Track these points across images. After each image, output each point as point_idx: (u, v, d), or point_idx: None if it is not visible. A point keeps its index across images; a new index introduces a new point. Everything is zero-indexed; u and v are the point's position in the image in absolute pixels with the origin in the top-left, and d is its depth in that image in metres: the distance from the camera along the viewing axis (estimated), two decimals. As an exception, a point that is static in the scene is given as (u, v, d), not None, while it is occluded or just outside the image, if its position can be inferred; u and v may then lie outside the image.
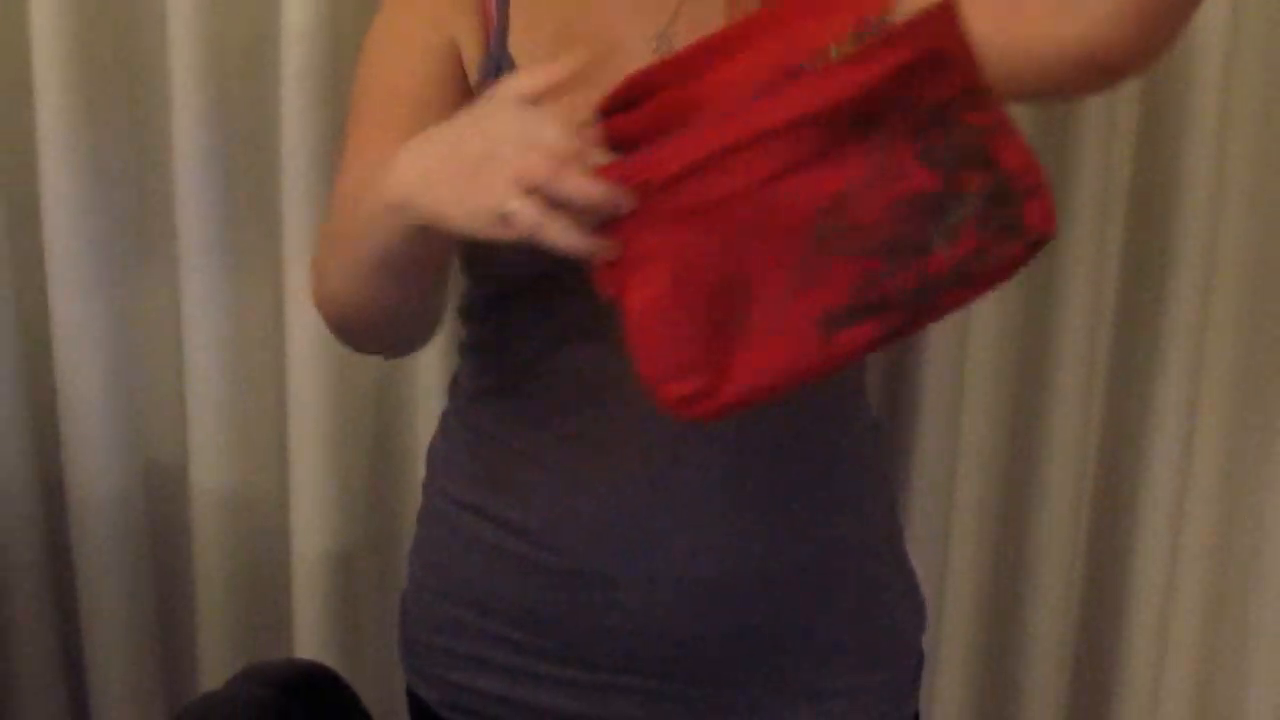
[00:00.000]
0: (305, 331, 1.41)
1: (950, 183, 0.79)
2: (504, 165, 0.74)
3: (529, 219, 0.73)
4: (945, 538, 1.47)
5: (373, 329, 0.93)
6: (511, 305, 1.01)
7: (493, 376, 1.05)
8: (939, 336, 1.40)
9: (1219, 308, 1.43)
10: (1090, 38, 0.86)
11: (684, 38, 0.96)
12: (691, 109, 0.81)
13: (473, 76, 0.98)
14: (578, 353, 1.00)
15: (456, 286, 1.06)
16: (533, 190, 0.74)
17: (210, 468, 1.49)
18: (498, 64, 0.97)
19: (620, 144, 0.81)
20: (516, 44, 0.99)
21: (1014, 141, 0.80)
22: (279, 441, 1.49)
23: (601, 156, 0.78)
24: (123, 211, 1.46)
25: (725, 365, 0.78)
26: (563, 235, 0.75)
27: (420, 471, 1.14)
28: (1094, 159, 1.34)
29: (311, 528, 1.47)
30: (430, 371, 1.44)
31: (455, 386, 1.11)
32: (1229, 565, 1.50)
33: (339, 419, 1.45)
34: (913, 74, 0.77)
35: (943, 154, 0.78)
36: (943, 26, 0.78)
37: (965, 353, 1.43)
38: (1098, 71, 0.89)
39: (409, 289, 0.88)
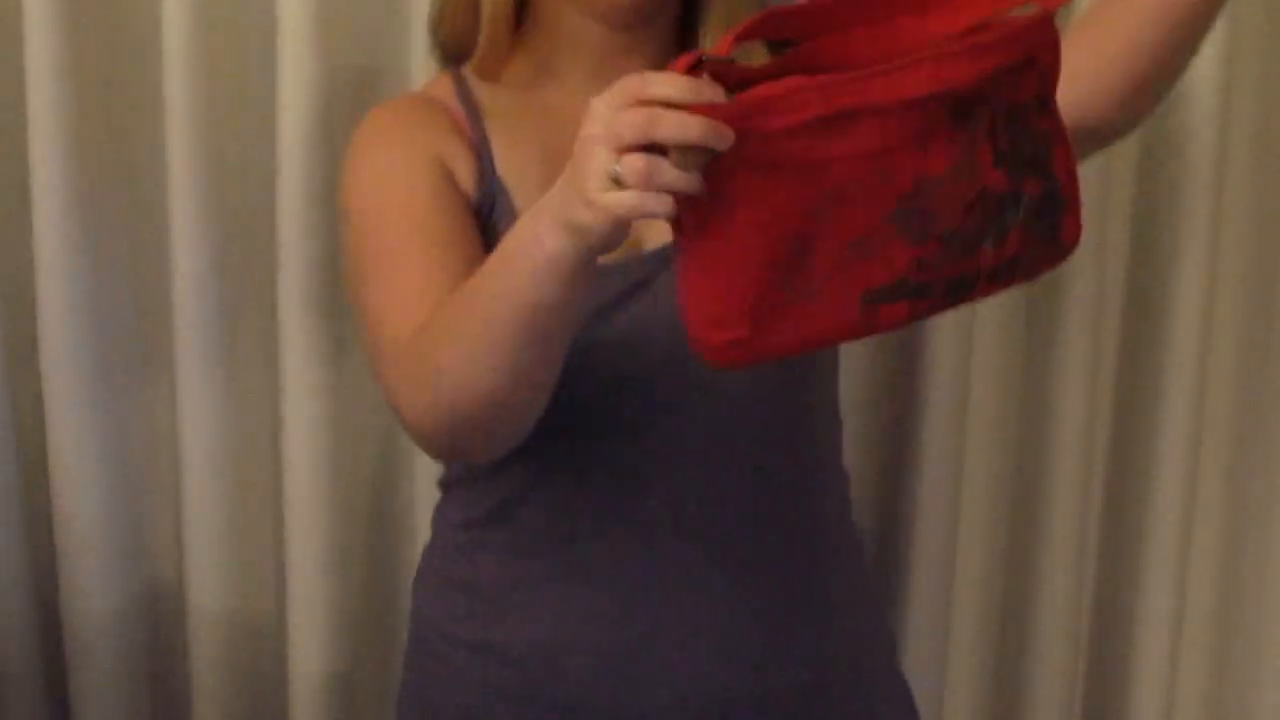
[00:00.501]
0: (302, 449, 1.41)
1: (1014, 184, 0.81)
2: (597, 139, 0.73)
3: (634, 171, 0.71)
4: (945, 632, 1.48)
5: (502, 415, 0.89)
6: None
7: (483, 509, 1.04)
8: (936, 422, 1.44)
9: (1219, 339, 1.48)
10: (1079, 105, 0.93)
11: None
12: (806, 67, 0.80)
13: (469, 196, 0.98)
14: (573, 485, 1.00)
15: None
16: (630, 146, 0.72)
17: (208, 586, 1.49)
18: (492, 190, 0.98)
19: (730, 88, 0.78)
20: (503, 165, 1.00)
21: (1065, 151, 0.83)
22: (276, 560, 1.49)
23: (708, 92, 0.75)
24: (120, 327, 1.47)
25: (767, 320, 0.79)
26: (674, 179, 0.72)
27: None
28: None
29: (309, 647, 1.46)
30: (428, 492, 1.42)
31: (440, 519, 1.10)
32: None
33: (336, 537, 1.45)
34: (1010, 74, 0.79)
35: (1012, 156, 0.81)
36: (1043, 34, 0.80)
37: (964, 448, 1.45)
38: (1086, 136, 0.96)
39: (553, 350, 0.85)
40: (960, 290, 0.82)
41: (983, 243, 0.81)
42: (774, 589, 1.01)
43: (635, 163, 0.71)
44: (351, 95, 1.37)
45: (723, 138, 0.72)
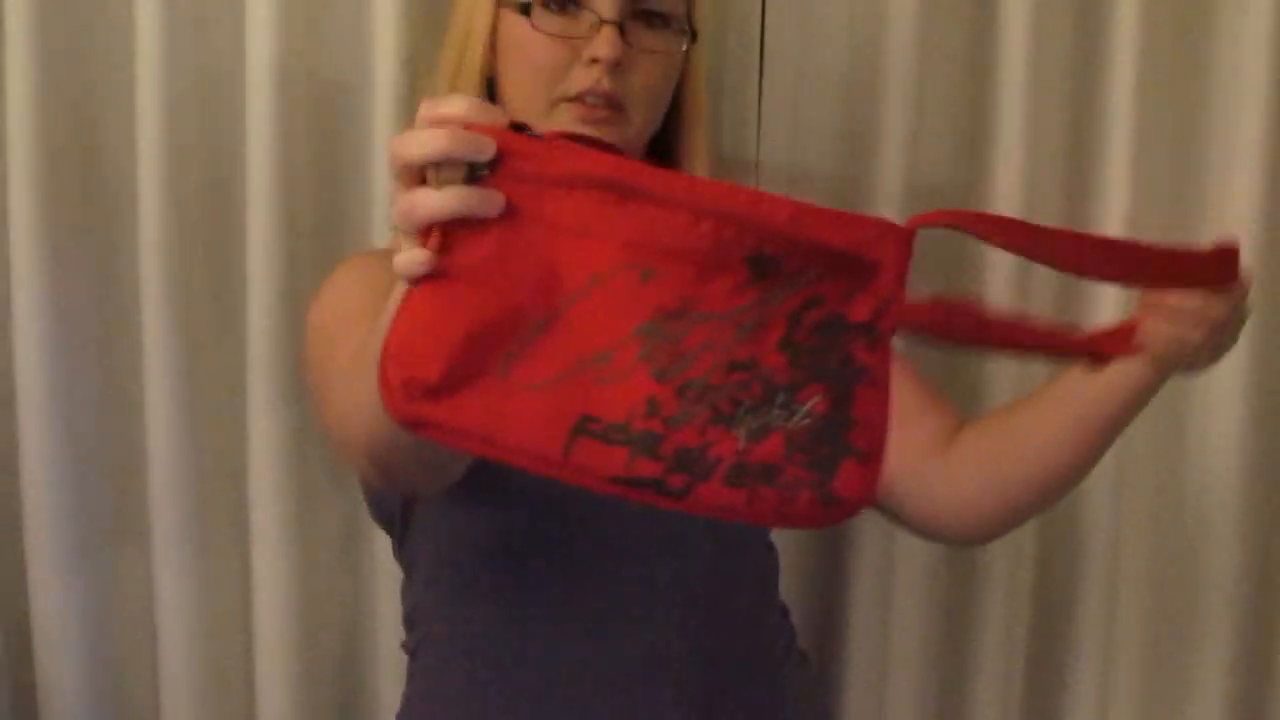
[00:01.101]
0: (272, 615, 1.45)
1: (794, 380, 0.73)
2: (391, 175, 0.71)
3: (398, 213, 0.68)
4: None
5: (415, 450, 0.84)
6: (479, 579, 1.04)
7: (456, 666, 1.06)
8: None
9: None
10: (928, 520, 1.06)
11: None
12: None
13: None
14: (548, 633, 1.03)
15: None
16: (400, 173, 0.69)
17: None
18: None
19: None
20: None
21: (877, 399, 0.74)
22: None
23: (491, 115, 0.70)
24: (98, 506, 1.51)
25: (463, 383, 0.69)
26: (426, 205, 0.67)
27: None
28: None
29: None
30: (391, 658, 1.47)
31: (411, 682, 1.12)
32: None
33: (306, 701, 1.47)
34: (832, 265, 0.72)
35: (805, 354, 0.73)
36: (896, 250, 0.73)
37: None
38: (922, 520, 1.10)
39: None
40: (690, 470, 0.71)
41: (734, 422, 0.71)
42: None
43: (399, 203, 0.69)
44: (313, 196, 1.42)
45: (478, 149, 0.68)
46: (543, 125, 0.93)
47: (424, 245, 0.68)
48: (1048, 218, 1.40)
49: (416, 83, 1.29)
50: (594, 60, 1.00)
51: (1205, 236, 1.35)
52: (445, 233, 0.69)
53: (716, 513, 0.70)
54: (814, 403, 0.72)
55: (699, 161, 1.11)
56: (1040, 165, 1.44)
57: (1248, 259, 0.91)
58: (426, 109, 0.68)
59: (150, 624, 1.51)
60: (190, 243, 1.42)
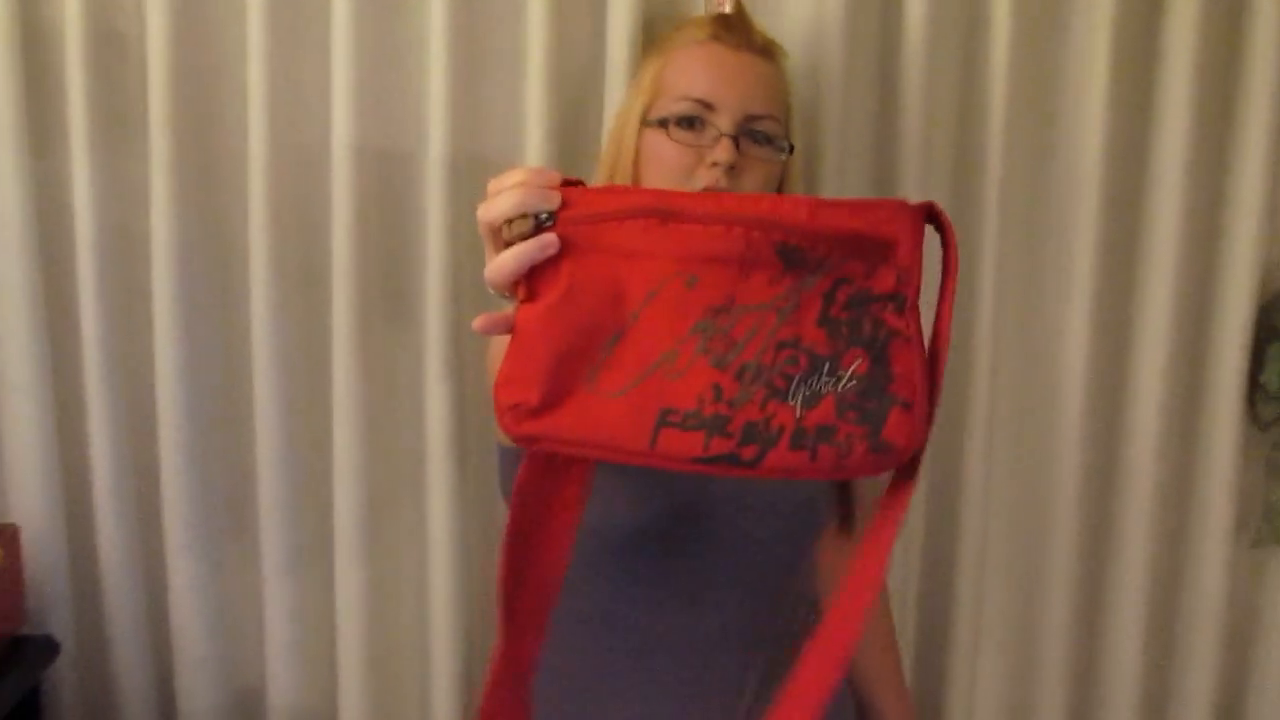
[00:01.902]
0: (445, 616, 1.54)
1: (834, 350, 0.78)
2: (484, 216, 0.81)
3: (488, 280, 0.79)
4: None
5: None
6: None
7: (562, 634, 1.10)
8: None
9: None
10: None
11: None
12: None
13: None
14: (648, 602, 1.19)
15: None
16: (491, 239, 0.80)
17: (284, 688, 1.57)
18: None
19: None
20: None
21: (915, 356, 0.79)
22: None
23: (546, 177, 0.80)
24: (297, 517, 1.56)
25: (558, 400, 0.77)
26: (502, 264, 0.79)
27: None
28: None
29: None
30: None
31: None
32: None
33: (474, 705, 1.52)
34: (855, 247, 0.78)
35: (844, 330, 0.78)
36: (910, 224, 0.79)
37: None
38: None
39: None
40: (758, 441, 0.77)
41: (789, 395, 0.78)
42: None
43: (488, 268, 0.80)
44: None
45: (544, 199, 0.79)
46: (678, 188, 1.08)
47: (515, 295, 0.80)
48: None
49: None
50: (714, 164, 1.16)
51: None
52: (529, 282, 0.79)
53: (785, 474, 0.77)
54: (856, 365, 0.78)
55: None
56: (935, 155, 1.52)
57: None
58: (495, 183, 0.81)
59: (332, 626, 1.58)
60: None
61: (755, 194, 0.87)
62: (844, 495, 1.28)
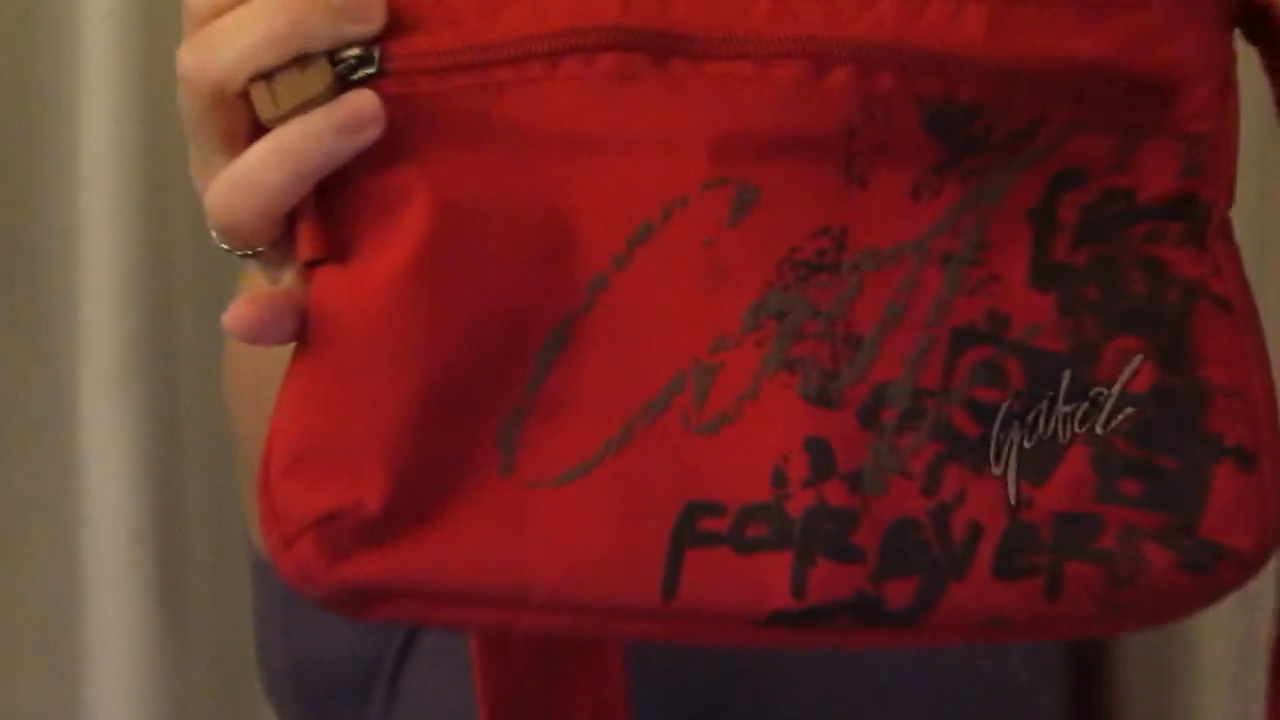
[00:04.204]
0: None
1: (1085, 347, 0.40)
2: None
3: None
4: None
5: None
6: None
7: None
8: None
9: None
10: None
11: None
12: None
13: None
14: None
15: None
16: (206, 99, 0.38)
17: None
18: None
19: None
20: None
21: (1246, 341, 0.41)
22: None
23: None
24: None
25: (431, 498, 0.38)
26: (254, 161, 0.38)
27: None
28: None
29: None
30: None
31: None
32: None
33: None
34: (1097, 96, 0.39)
35: (1094, 291, 0.40)
36: (1205, 39, 0.40)
37: None
38: None
39: None
40: (923, 564, 0.39)
41: (990, 451, 0.39)
42: None
43: (219, 192, 0.39)
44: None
45: (347, 18, 0.37)
46: None
47: (299, 259, 0.39)
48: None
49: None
50: None
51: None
52: (326, 224, 0.39)
53: (985, 633, 0.40)
54: (1130, 371, 0.40)
55: None
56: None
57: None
58: None
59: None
60: None
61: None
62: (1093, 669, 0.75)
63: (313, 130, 0.37)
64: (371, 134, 0.37)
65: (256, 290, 0.39)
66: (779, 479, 0.38)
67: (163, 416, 1.15)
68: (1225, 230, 0.41)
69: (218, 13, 0.38)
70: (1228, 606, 1.18)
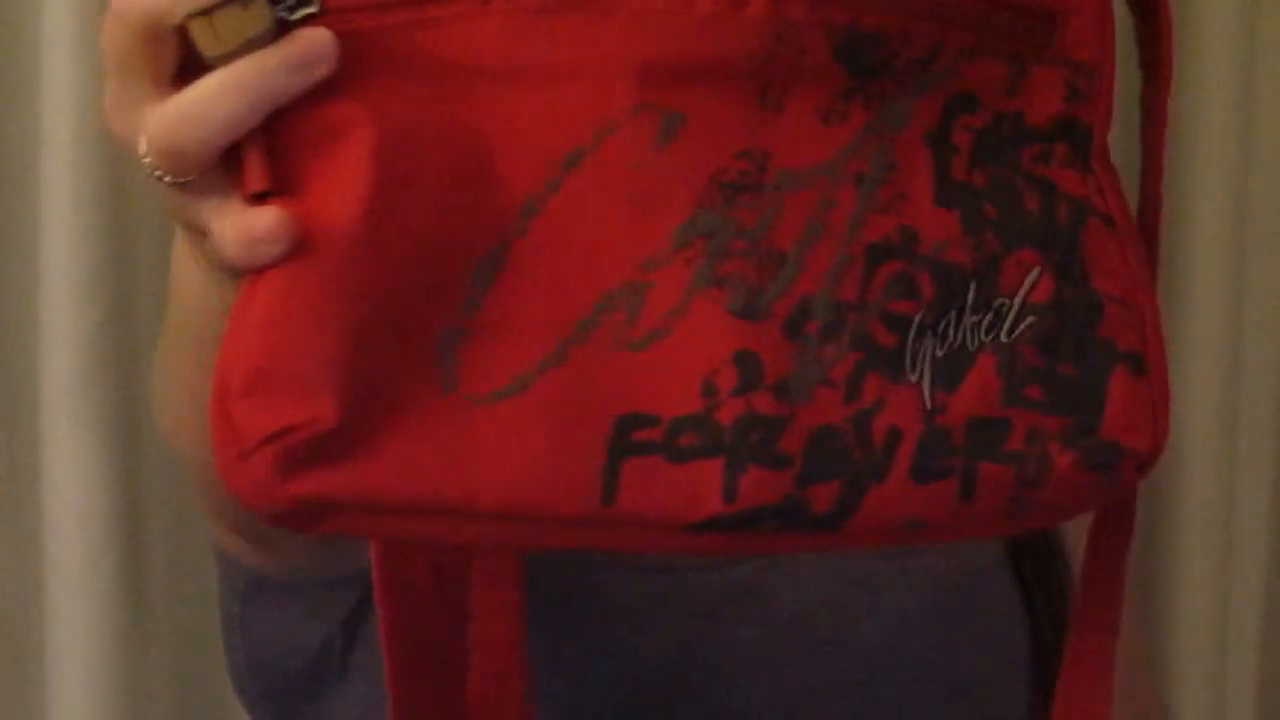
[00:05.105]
0: None
1: (988, 259, 0.42)
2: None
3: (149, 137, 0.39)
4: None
5: None
6: None
7: None
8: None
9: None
10: None
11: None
12: None
13: None
14: None
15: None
16: (129, 58, 0.40)
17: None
18: None
19: None
20: None
21: (1130, 254, 0.44)
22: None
23: None
24: None
25: (380, 415, 0.39)
26: (203, 105, 0.38)
27: None
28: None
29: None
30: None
31: None
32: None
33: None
34: (989, 22, 0.42)
35: (992, 208, 0.43)
36: None
37: None
38: None
39: None
40: (846, 468, 0.40)
41: (904, 359, 0.41)
42: None
43: (158, 123, 0.39)
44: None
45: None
46: None
47: (247, 194, 0.40)
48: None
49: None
50: None
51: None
52: (274, 156, 0.40)
53: (908, 535, 0.42)
54: (1030, 283, 0.43)
55: None
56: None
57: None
58: None
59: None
60: None
61: None
62: (1041, 569, 0.71)
63: (269, 65, 0.38)
64: (324, 71, 0.39)
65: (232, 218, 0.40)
66: (709, 390, 0.40)
67: (124, 415, 1.14)
68: (1104, 154, 0.44)
69: None
70: (1202, 604, 1.16)
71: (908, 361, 0.41)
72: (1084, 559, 0.51)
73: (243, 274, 0.40)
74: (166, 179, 0.41)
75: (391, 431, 0.39)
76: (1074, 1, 0.43)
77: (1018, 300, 0.42)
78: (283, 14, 0.38)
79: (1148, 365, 0.43)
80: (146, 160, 0.40)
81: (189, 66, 0.39)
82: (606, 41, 0.40)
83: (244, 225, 0.39)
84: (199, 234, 0.42)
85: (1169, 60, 0.46)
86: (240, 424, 0.39)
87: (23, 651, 1.18)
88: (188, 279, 0.48)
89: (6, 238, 1.18)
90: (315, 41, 0.39)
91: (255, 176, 0.39)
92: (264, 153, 0.39)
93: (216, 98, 0.39)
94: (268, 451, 0.38)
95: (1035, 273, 0.42)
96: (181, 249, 0.48)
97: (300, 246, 0.39)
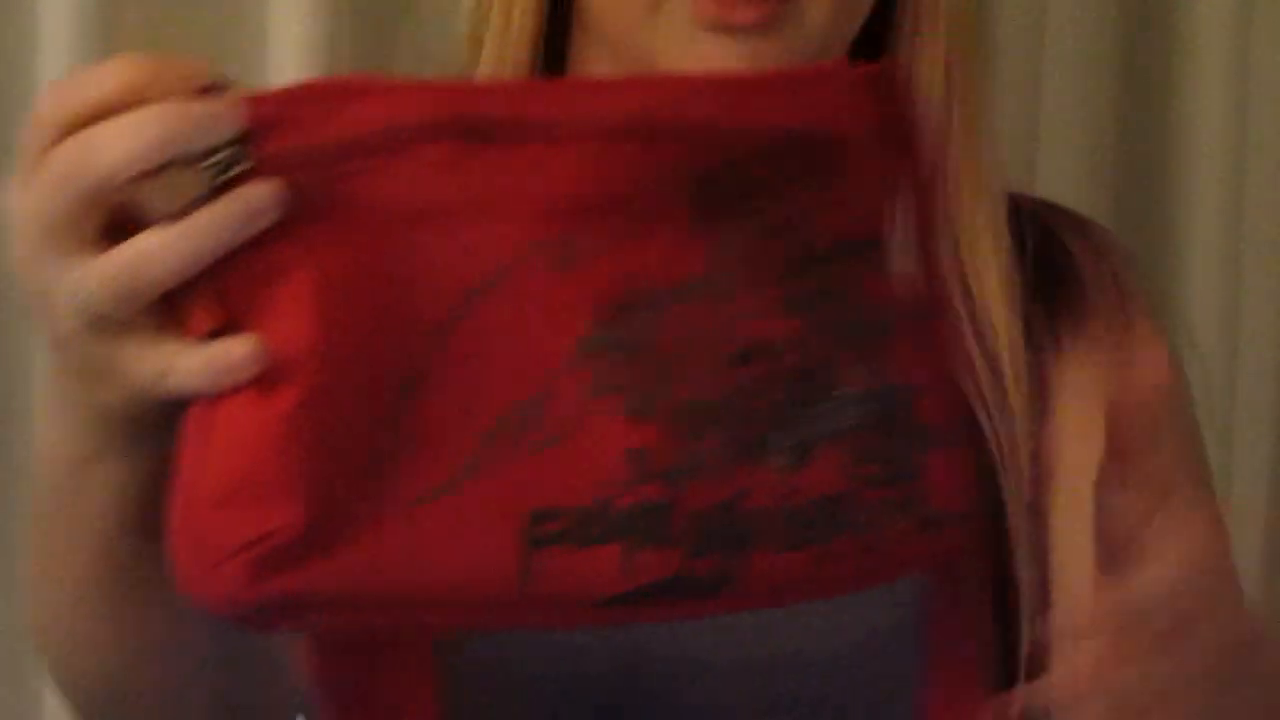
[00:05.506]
0: None
1: (828, 359, 0.49)
2: (25, 233, 0.44)
3: (92, 288, 0.43)
4: None
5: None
6: None
7: None
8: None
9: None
10: None
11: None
12: None
13: None
14: None
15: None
16: (69, 216, 0.43)
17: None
18: None
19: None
20: None
21: (936, 347, 0.53)
22: None
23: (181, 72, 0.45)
24: None
25: (341, 514, 0.45)
26: (155, 257, 0.43)
27: None
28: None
29: None
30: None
31: None
32: None
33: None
34: (797, 154, 0.49)
35: (827, 313, 0.49)
36: (852, 103, 0.50)
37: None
38: None
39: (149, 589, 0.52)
40: (722, 544, 0.47)
41: (765, 446, 0.48)
42: None
43: (109, 275, 0.43)
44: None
45: (215, 124, 0.43)
46: (645, 44, 0.61)
47: (202, 331, 0.44)
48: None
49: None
50: None
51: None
52: (220, 297, 0.45)
53: (776, 597, 0.49)
54: (859, 377, 0.50)
55: (951, 87, 0.67)
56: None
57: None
58: (69, 98, 0.43)
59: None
60: None
61: (631, 78, 0.55)
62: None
63: (216, 220, 0.43)
64: (266, 222, 0.44)
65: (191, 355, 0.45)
66: (607, 484, 0.46)
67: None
68: (893, 256, 0.51)
69: (83, 121, 0.43)
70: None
71: (769, 450, 0.48)
72: (927, 619, 0.59)
73: (154, 412, 0.46)
74: (89, 323, 0.44)
75: (351, 534, 0.45)
76: (853, 132, 0.50)
77: (850, 393, 0.49)
78: (221, 172, 0.44)
79: (954, 440, 0.51)
80: (64, 307, 0.44)
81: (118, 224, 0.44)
82: (506, 184, 0.47)
83: (213, 355, 0.44)
84: (93, 380, 0.46)
85: (918, 162, 0.53)
86: (212, 536, 0.44)
87: (16, 653, 1.17)
88: (57, 445, 0.51)
89: (6, 237, 1.18)
90: (259, 196, 0.44)
91: (208, 314, 0.45)
92: (213, 293, 0.45)
93: (163, 251, 0.43)
94: (241, 559, 0.44)
95: (861, 369, 0.49)
96: (53, 412, 0.51)
97: (261, 373, 0.45)
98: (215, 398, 0.45)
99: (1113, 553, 0.56)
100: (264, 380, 0.45)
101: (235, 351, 0.44)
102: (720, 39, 0.60)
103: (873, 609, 0.65)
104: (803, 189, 0.49)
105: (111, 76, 0.43)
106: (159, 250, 0.43)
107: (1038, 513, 0.65)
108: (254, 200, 0.44)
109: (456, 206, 0.46)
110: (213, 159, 0.44)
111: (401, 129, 0.46)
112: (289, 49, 1.08)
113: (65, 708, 0.69)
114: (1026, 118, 1.22)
